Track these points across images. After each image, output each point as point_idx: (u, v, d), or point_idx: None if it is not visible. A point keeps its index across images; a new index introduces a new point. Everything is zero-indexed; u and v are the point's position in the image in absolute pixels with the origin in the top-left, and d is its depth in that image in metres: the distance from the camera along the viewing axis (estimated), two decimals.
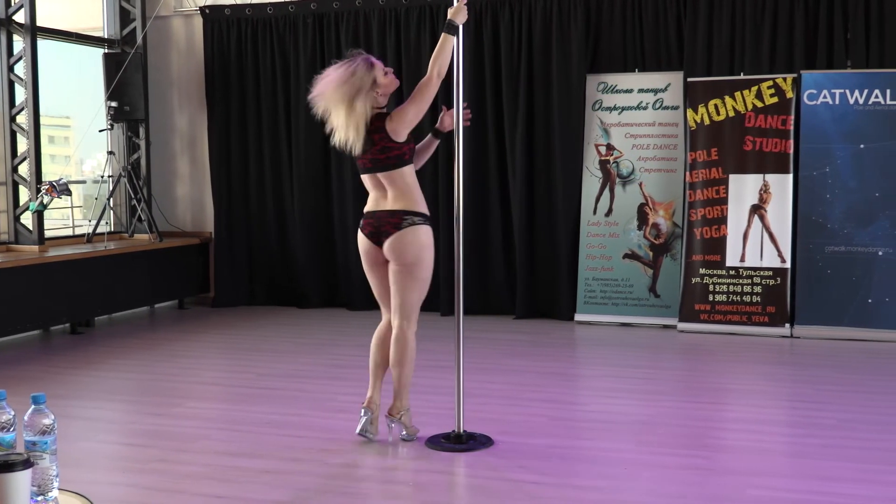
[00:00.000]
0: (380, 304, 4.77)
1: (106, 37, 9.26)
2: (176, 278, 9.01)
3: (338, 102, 4.47)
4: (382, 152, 4.49)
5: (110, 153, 9.03)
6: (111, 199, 9.07)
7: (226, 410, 5.47)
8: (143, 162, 9.28)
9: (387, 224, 4.52)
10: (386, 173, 4.52)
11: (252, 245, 9.23)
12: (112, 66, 8.72)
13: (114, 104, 8.72)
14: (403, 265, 4.53)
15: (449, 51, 4.49)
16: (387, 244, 4.53)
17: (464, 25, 4.58)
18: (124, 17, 9.30)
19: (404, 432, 4.71)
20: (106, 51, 9.10)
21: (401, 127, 4.48)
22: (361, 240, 4.64)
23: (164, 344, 7.46)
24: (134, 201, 9.06)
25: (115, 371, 6.60)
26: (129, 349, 7.28)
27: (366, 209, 4.64)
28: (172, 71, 9.52)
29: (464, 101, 4.68)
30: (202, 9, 9.14)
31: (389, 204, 4.53)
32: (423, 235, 4.54)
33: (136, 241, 8.89)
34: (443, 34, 4.48)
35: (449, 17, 4.49)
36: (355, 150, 4.50)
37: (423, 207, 4.56)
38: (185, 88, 9.50)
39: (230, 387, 6.13)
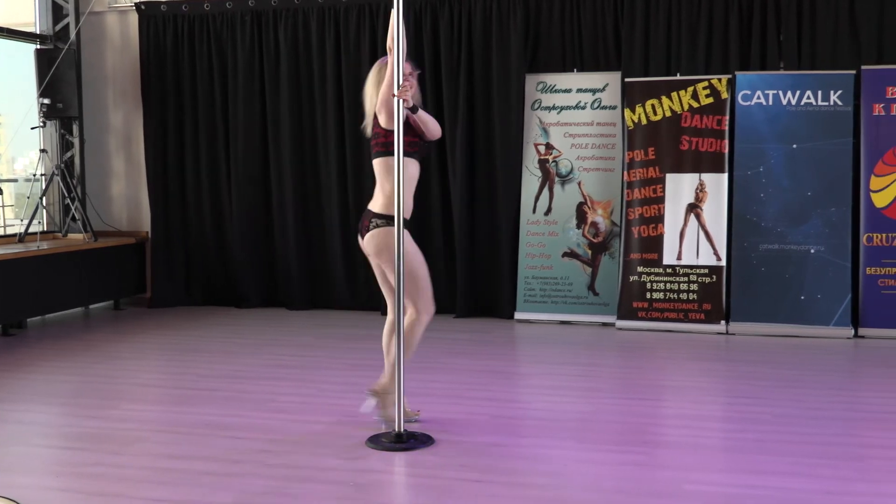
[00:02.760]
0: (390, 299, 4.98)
1: (38, 32, 9.08)
2: (111, 279, 8.86)
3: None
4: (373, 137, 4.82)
5: (43, 151, 8.86)
6: (44, 198, 8.89)
7: (164, 412, 5.40)
8: (76, 160, 9.12)
9: (362, 224, 4.84)
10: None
11: (190, 244, 9.12)
12: (44, 62, 8.55)
13: (46, 101, 8.56)
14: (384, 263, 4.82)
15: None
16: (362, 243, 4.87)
17: (404, 24, 4.58)
18: (57, 13, 9.13)
19: (379, 414, 4.84)
20: (38, 47, 8.91)
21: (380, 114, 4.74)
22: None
23: (100, 345, 7.34)
24: (67, 200, 8.90)
25: (48, 373, 6.47)
26: (64, 351, 7.14)
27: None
28: (107, 68, 9.37)
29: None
30: (137, 5, 9.00)
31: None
32: (388, 237, 4.68)
33: (69, 241, 8.72)
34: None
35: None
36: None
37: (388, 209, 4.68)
38: (121, 85, 9.35)
39: (168, 388, 6.05)
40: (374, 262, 4.88)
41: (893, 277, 7.29)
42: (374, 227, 4.73)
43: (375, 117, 4.74)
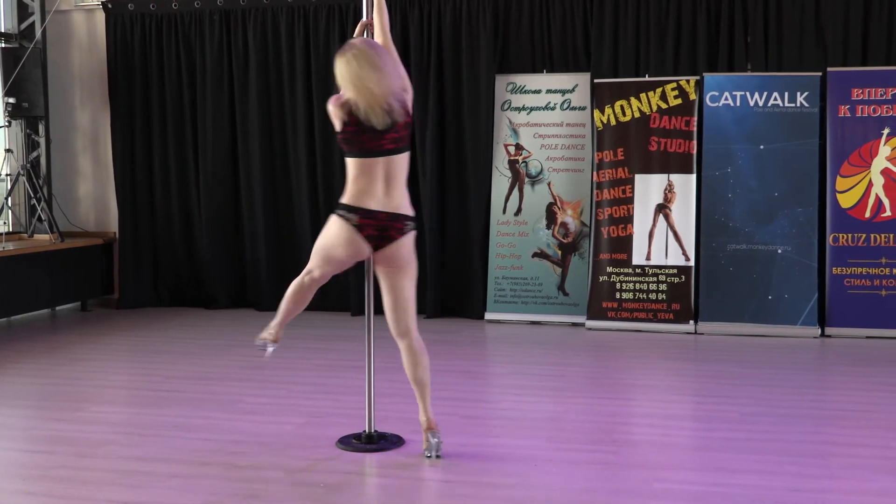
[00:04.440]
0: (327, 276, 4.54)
1: (3, 31, 8.97)
2: (78, 279, 8.77)
3: None
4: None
5: (8, 151, 8.75)
6: (9, 199, 8.78)
7: (131, 414, 5.35)
8: (42, 160, 9.03)
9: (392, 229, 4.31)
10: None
11: (158, 245, 9.05)
12: (9, 61, 8.46)
13: (11, 100, 8.46)
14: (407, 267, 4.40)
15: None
16: (390, 249, 4.33)
17: (371, 26, 4.57)
18: (22, 11, 9.03)
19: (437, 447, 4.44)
20: (3, 45, 8.81)
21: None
22: (354, 236, 4.30)
23: (66, 347, 7.27)
24: (34, 201, 8.80)
25: (13, 375, 6.39)
26: (29, 353, 7.06)
27: (366, 205, 4.29)
28: (74, 67, 9.28)
29: None
30: (104, 3, 8.92)
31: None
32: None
33: (35, 242, 8.63)
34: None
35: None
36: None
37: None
38: (87, 85, 9.26)
39: (135, 390, 6.00)
40: (390, 270, 4.36)
41: (859, 277, 7.37)
42: (410, 231, 4.34)
43: (392, 108, 4.20)
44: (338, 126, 4.30)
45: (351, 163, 4.32)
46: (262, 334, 4.64)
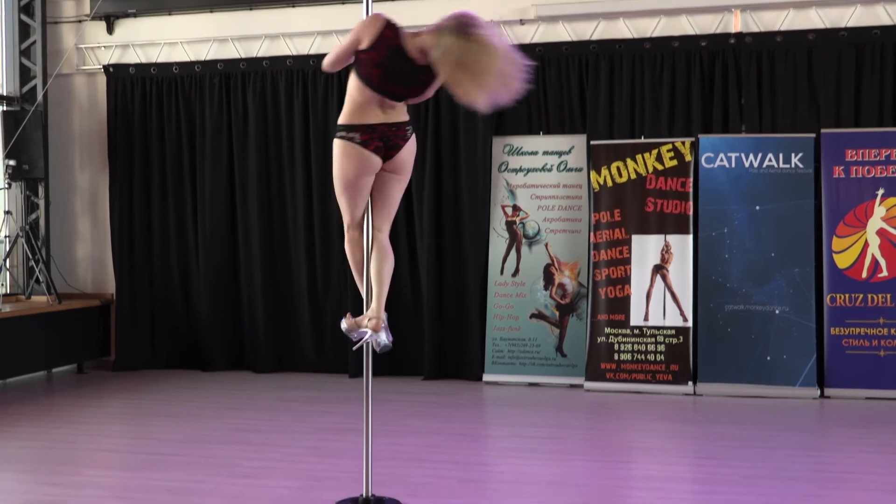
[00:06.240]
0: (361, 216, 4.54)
1: (5, 94, 9.06)
2: (75, 341, 8.74)
3: None
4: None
5: (7, 213, 8.79)
6: (7, 260, 8.80)
7: (126, 478, 5.30)
8: (41, 221, 9.05)
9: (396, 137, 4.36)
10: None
11: (155, 306, 9.04)
12: (11, 123, 8.53)
13: (12, 162, 8.52)
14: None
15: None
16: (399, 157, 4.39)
17: None
18: (25, 74, 9.13)
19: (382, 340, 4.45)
20: (4, 108, 8.90)
21: None
22: (362, 153, 4.32)
23: (62, 409, 7.22)
24: (32, 262, 8.82)
25: (9, 439, 6.34)
26: (24, 415, 7.01)
27: (367, 121, 4.31)
28: (74, 129, 9.36)
29: None
30: (106, 67, 9.03)
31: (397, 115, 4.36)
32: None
33: (33, 304, 8.62)
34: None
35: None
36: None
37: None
38: (87, 147, 9.34)
39: (130, 453, 5.94)
40: (392, 176, 4.43)
41: (857, 337, 7.36)
42: (412, 134, 4.42)
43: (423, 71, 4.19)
44: (365, 45, 4.18)
45: (355, 82, 4.28)
46: (363, 322, 4.44)
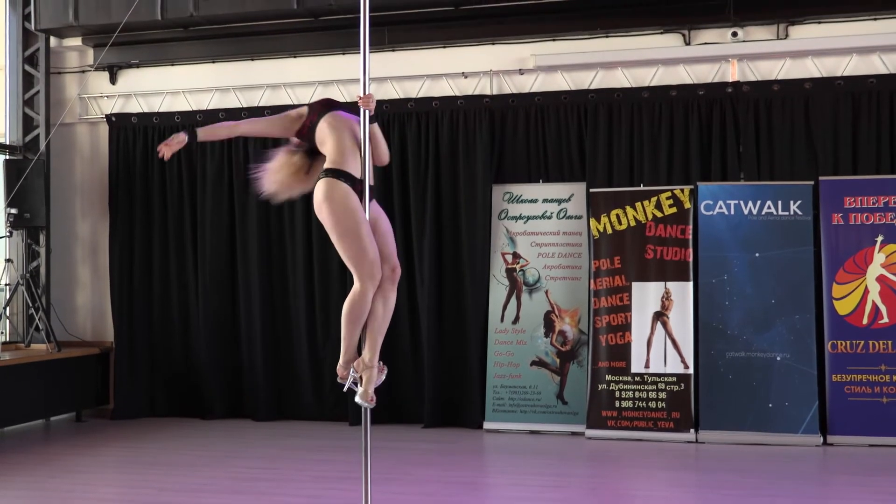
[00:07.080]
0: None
1: (7, 143, 9.12)
2: (74, 389, 8.70)
3: None
4: None
5: (8, 261, 8.80)
6: (7, 308, 8.80)
7: None
8: (42, 270, 9.06)
9: None
10: None
11: (154, 355, 9.02)
12: (13, 172, 8.58)
13: (13, 211, 8.55)
14: None
15: None
16: None
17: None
18: (27, 124, 9.19)
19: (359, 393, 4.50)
20: (7, 157, 8.95)
21: None
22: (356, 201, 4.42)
23: (59, 458, 7.17)
24: (32, 310, 8.81)
25: (6, 488, 6.29)
26: (22, 464, 6.96)
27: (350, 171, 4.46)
28: (76, 177, 9.41)
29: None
30: (108, 116, 9.10)
31: None
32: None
33: (32, 352, 8.60)
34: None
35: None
36: None
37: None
38: (88, 195, 9.38)
39: (128, 503, 5.89)
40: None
41: (859, 384, 7.33)
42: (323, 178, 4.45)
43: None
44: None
45: None
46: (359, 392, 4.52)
